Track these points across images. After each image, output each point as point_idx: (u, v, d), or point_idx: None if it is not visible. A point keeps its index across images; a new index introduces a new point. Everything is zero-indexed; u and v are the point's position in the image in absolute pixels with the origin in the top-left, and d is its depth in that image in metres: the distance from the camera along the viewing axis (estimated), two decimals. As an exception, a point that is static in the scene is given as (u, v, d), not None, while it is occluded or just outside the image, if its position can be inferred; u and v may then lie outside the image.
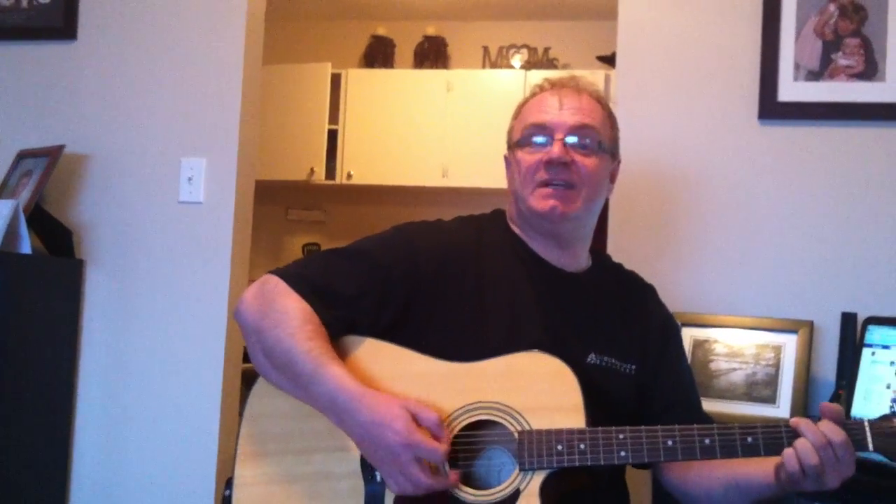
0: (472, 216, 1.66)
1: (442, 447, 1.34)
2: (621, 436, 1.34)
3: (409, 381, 1.43)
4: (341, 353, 1.45)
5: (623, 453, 1.34)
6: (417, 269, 1.50)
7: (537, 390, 1.40)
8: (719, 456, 1.33)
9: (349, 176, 5.28)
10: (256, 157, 2.74)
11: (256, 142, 2.73)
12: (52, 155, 2.57)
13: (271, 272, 1.50)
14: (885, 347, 1.94)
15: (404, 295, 1.49)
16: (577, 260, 1.64)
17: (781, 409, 2.08)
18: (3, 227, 2.40)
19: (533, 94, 1.63)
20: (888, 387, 1.91)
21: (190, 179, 2.59)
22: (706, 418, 1.60)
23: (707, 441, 1.33)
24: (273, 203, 5.47)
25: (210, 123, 2.60)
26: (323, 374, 1.38)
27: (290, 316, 1.42)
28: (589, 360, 1.53)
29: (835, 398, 2.04)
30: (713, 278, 2.25)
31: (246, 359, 2.89)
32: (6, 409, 2.37)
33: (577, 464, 1.34)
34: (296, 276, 1.48)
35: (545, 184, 1.53)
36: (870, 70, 2.18)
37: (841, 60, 2.19)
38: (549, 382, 1.40)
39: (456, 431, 1.39)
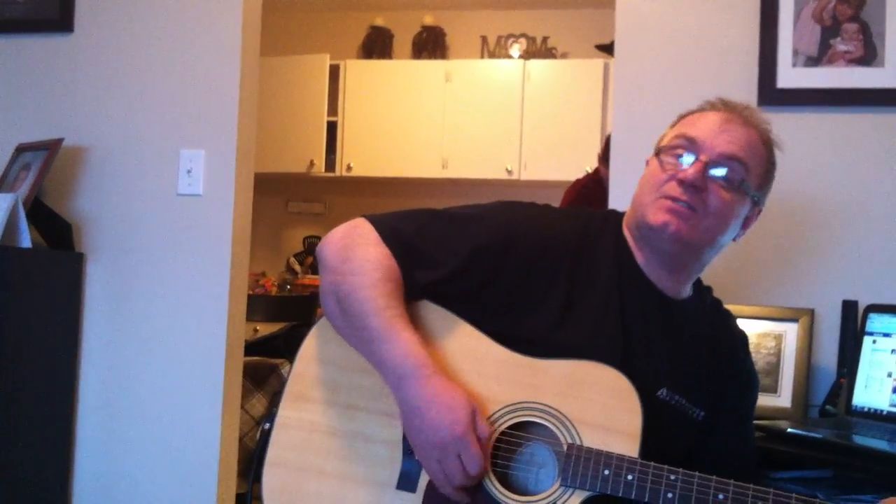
0: (584, 211, 1.59)
1: (483, 461, 1.30)
2: (672, 476, 1.28)
3: (467, 361, 1.40)
4: (410, 315, 1.41)
5: (670, 495, 1.27)
6: (510, 252, 1.44)
7: (597, 404, 1.34)
8: None
9: (349, 168, 5.28)
10: (255, 148, 2.74)
11: (255, 133, 2.72)
12: (50, 148, 2.56)
13: (365, 216, 1.45)
14: (887, 335, 1.94)
15: (487, 272, 1.43)
16: (681, 288, 1.54)
17: (783, 398, 2.08)
18: (3, 220, 2.40)
19: (701, 109, 1.55)
20: (889, 375, 1.90)
21: (189, 171, 2.58)
22: (757, 482, 1.58)
23: None
24: (273, 195, 5.47)
25: (208, 115, 2.59)
26: (396, 336, 1.34)
27: (373, 267, 1.38)
28: (660, 394, 1.45)
29: (836, 386, 2.04)
30: (712, 266, 2.24)
31: (247, 352, 2.90)
32: (7, 404, 2.37)
33: (620, 494, 1.28)
34: (389, 229, 1.43)
35: (669, 197, 1.43)
36: (869, 55, 2.17)
37: (839, 46, 2.18)
38: (611, 399, 1.34)
39: (503, 428, 1.36)
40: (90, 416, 2.61)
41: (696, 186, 1.42)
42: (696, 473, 1.28)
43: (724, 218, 1.46)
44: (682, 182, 1.42)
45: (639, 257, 1.51)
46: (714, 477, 1.27)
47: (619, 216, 1.58)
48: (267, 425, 1.45)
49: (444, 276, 1.42)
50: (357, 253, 1.40)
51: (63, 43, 2.70)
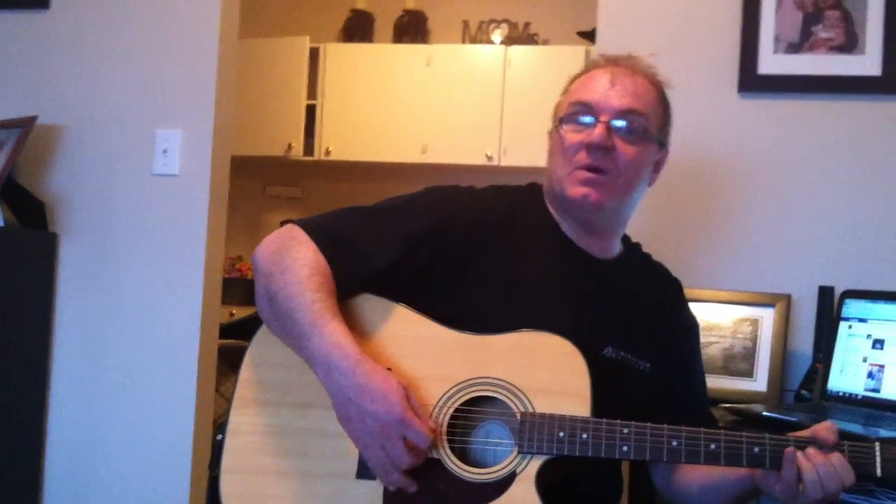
0: (508, 187, 1.62)
1: (430, 434, 1.32)
2: (626, 430, 1.32)
3: (414, 345, 1.41)
4: (351, 309, 1.42)
5: (625, 448, 1.32)
6: (443, 235, 1.47)
7: (544, 371, 1.37)
8: (723, 463, 1.31)
9: (327, 152, 5.24)
10: (232, 129, 2.71)
11: (232, 114, 2.70)
12: (24, 126, 2.53)
13: (295, 222, 1.47)
14: (862, 321, 1.95)
15: (425, 259, 1.45)
16: (608, 247, 1.59)
17: (759, 382, 2.09)
18: (-26, 198, 2.37)
19: (586, 70, 1.57)
20: (864, 360, 1.92)
21: (165, 152, 2.55)
22: (713, 423, 1.58)
23: (713, 447, 1.30)
24: (251, 179, 5.43)
25: (186, 95, 2.57)
26: (321, 328, 1.35)
27: (301, 264, 1.39)
28: (605, 352, 1.49)
29: (812, 371, 2.05)
30: (690, 252, 2.25)
31: (223, 335, 2.88)
32: (-22, 384, 2.35)
33: (577, 453, 1.32)
34: (317, 228, 1.44)
35: (583, 168, 1.48)
36: (850, 43, 2.17)
37: (821, 33, 2.19)
38: (558, 365, 1.37)
39: (457, 406, 1.37)
40: (62, 398, 2.59)
41: (605, 147, 1.47)
42: (648, 424, 1.33)
43: (635, 169, 1.52)
44: (590, 146, 1.47)
45: (564, 226, 1.56)
46: (665, 426, 1.32)
47: (541, 189, 1.62)
48: (219, 436, 1.44)
49: (380, 266, 1.44)
50: (287, 254, 1.42)
51: (39, 19, 2.67)
